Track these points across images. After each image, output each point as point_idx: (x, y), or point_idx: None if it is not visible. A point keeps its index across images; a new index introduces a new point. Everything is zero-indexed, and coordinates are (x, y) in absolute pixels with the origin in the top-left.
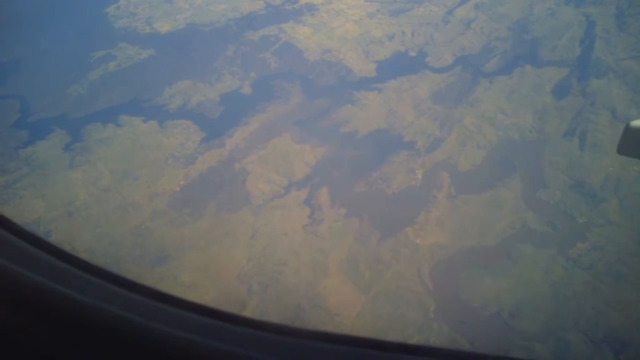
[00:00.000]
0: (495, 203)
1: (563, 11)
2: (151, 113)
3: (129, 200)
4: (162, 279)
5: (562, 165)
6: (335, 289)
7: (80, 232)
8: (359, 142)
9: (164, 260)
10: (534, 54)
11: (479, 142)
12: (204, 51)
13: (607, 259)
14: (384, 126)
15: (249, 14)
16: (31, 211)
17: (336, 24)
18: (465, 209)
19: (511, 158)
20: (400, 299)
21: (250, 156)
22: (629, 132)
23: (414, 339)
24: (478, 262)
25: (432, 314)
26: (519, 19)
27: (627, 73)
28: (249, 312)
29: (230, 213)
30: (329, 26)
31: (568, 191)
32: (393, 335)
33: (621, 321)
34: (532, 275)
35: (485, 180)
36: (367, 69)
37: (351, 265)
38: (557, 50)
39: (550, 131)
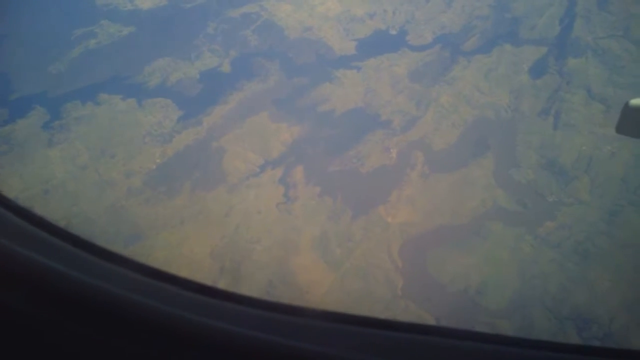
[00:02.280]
0: (468, 181)
1: None
2: (130, 91)
3: (105, 178)
4: (134, 257)
5: (535, 144)
6: (306, 266)
7: (56, 210)
8: (336, 120)
9: (138, 238)
10: (513, 33)
11: (455, 121)
12: (185, 28)
13: (575, 238)
14: (362, 105)
15: None
16: (8, 189)
17: (318, 1)
18: (438, 188)
19: (485, 137)
20: (369, 276)
21: (228, 135)
22: (628, 111)
23: (381, 317)
24: (448, 240)
25: (399, 291)
26: None
27: (605, 52)
28: None
29: (206, 191)
30: (310, 3)
31: (540, 170)
32: (360, 313)
33: (586, 299)
34: (500, 253)
35: (458, 159)
36: (347, 47)
37: (323, 243)
38: (537, 29)
39: (525, 110)
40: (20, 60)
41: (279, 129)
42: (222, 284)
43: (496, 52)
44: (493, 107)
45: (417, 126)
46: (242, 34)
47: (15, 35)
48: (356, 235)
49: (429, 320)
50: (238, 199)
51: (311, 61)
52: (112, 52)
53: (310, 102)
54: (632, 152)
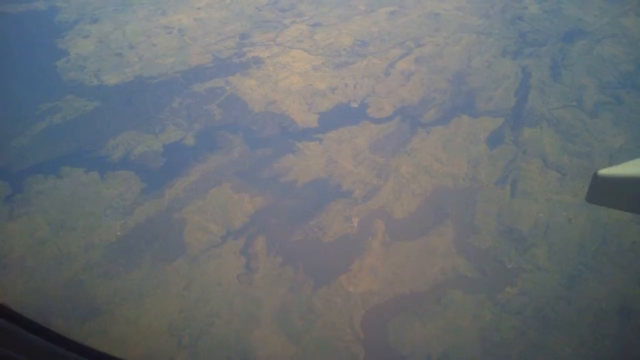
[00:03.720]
0: (428, 249)
1: (500, 63)
2: (93, 164)
3: (64, 252)
4: (91, 334)
5: (493, 212)
6: (266, 340)
7: (12, 285)
8: (298, 191)
9: (95, 314)
10: (470, 105)
11: (414, 190)
12: (150, 103)
13: (535, 304)
14: (323, 175)
15: (197, 66)
16: None
17: (281, 76)
18: (399, 256)
19: (445, 205)
20: (330, 349)
21: (189, 206)
22: (597, 181)
23: None
24: (409, 309)
25: None
26: (457, 71)
27: (559, 122)
28: None
29: (165, 263)
30: (274, 79)
31: (498, 237)
32: None
33: None
34: (461, 321)
35: (419, 227)
36: (309, 120)
37: (283, 315)
38: (493, 101)
39: (483, 179)
40: None
41: (241, 200)
42: None
43: (454, 123)
44: (452, 177)
45: (378, 196)
46: (206, 108)
47: None
48: (317, 306)
49: None
50: (198, 271)
51: (274, 134)
52: (77, 126)
53: (272, 174)
54: (588, 218)
